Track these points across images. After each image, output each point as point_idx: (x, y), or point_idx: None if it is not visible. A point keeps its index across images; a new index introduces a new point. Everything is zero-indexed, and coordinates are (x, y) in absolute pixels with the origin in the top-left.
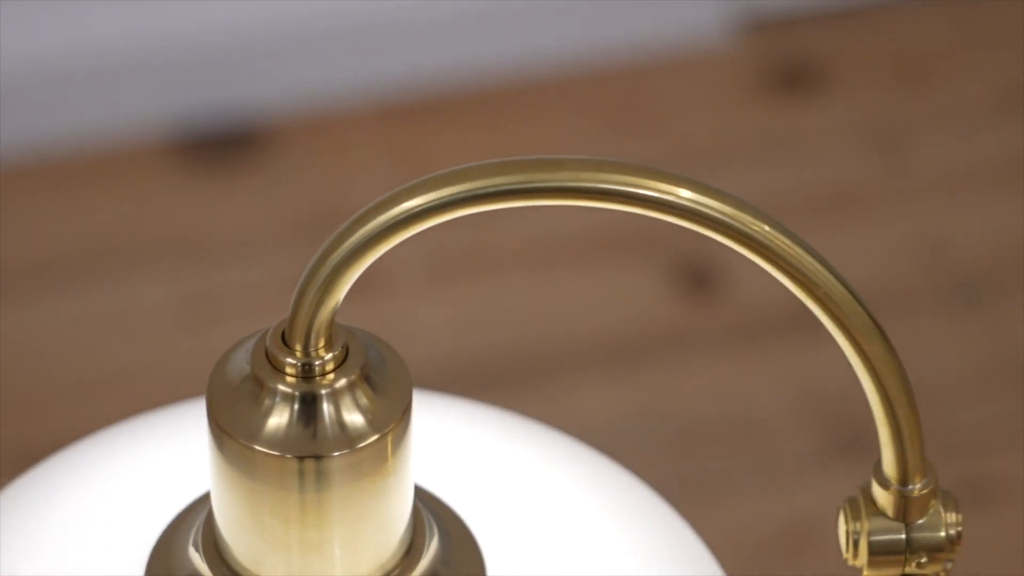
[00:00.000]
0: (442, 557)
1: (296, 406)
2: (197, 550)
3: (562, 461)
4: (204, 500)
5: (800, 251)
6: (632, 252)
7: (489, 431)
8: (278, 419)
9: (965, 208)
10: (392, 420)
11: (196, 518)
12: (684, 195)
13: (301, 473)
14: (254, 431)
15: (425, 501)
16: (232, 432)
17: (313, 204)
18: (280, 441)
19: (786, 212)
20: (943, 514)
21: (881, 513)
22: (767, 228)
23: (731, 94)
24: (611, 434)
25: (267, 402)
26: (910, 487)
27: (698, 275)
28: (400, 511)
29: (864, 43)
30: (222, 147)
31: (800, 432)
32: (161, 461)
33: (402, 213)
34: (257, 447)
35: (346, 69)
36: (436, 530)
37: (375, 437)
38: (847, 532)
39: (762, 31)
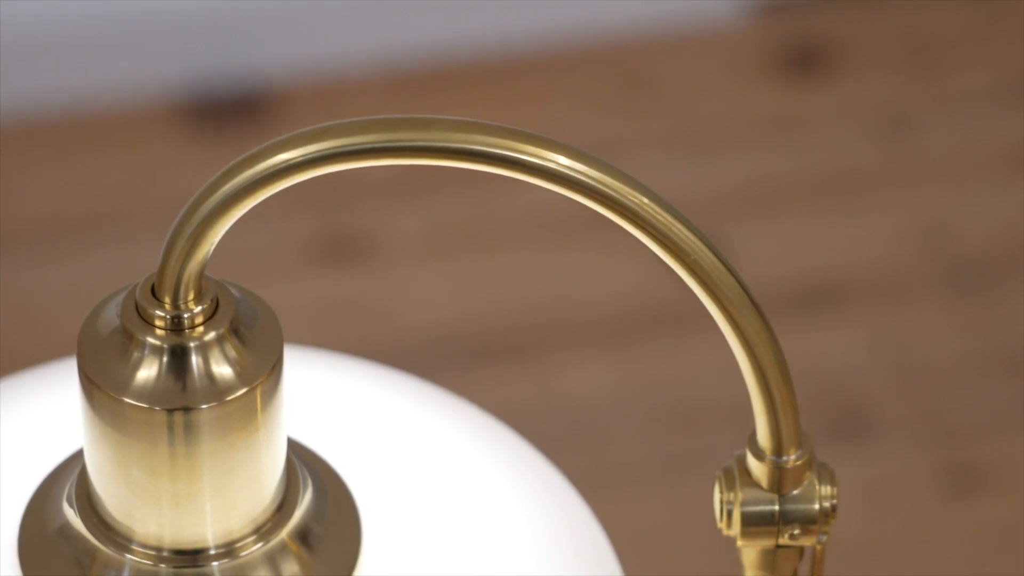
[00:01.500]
0: (315, 512)
1: (165, 359)
2: (71, 504)
3: (440, 414)
4: (80, 455)
5: (671, 219)
6: None
7: (367, 385)
8: (147, 372)
9: (969, 195)
10: (261, 373)
11: (72, 473)
12: (555, 159)
13: (170, 426)
14: (123, 384)
15: (301, 456)
16: (101, 385)
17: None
18: (149, 394)
19: (790, 193)
20: (818, 487)
21: (755, 484)
22: (637, 194)
23: (741, 74)
24: (604, 410)
25: (136, 355)
26: (784, 458)
27: None
28: (271, 466)
29: (875, 28)
30: (229, 112)
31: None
32: (40, 416)
33: (271, 167)
34: (126, 399)
35: (355, 37)
36: (311, 485)
37: (244, 390)
38: (721, 502)
39: (774, 12)
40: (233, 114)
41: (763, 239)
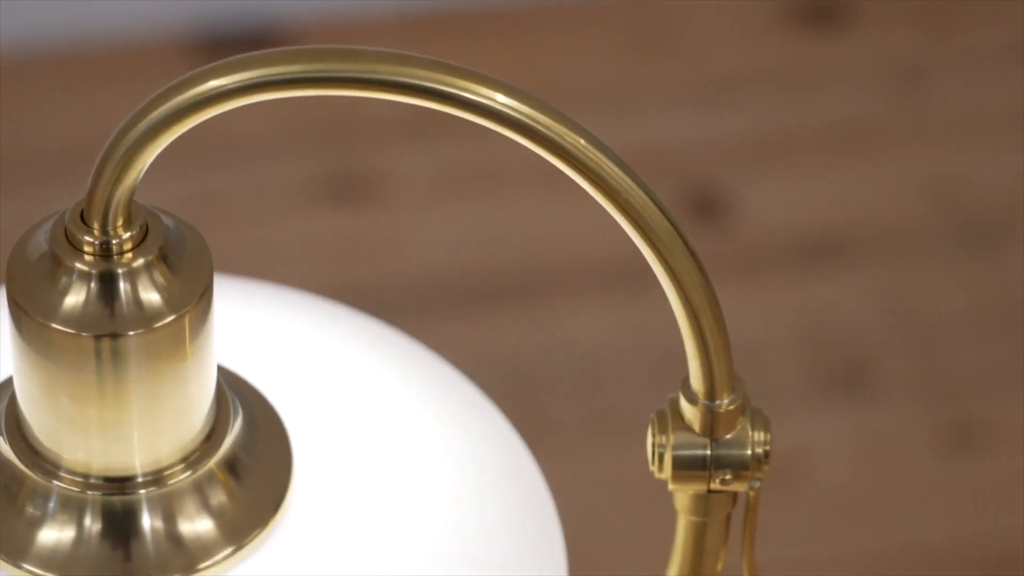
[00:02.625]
0: (245, 443)
1: (93, 285)
2: (0, 431)
3: (372, 344)
4: (9, 382)
5: (602, 157)
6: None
7: (302, 317)
8: (75, 298)
9: (979, 151)
10: (190, 301)
11: (0, 399)
12: (492, 96)
13: (98, 352)
14: (51, 309)
15: (235, 387)
16: (29, 310)
17: (328, 111)
18: (76, 319)
19: (800, 144)
20: (751, 432)
21: (688, 428)
22: (573, 134)
23: (755, 25)
24: (607, 355)
25: (64, 280)
26: (717, 403)
27: (707, 202)
28: (200, 395)
29: None
30: (238, 48)
31: (795, 366)
32: None
33: (200, 94)
34: (54, 325)
35: None
36: (242, 416)
37: (172, 317)
38: (653, 445)
39: None
40: (241, 51)
41: (771, 190)
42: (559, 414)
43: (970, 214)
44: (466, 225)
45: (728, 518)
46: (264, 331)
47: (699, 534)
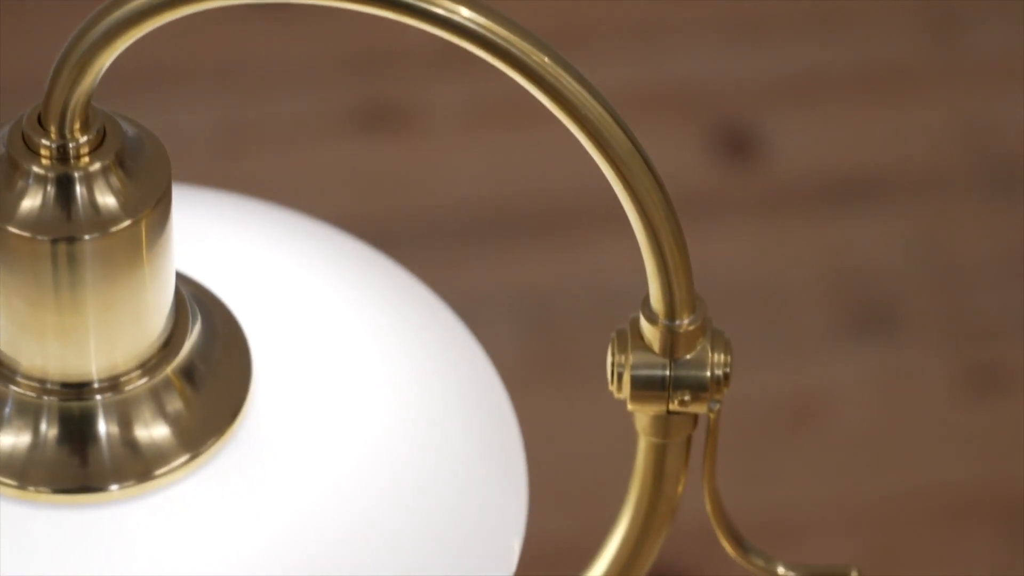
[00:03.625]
0: (203, 352)
1: (50, 188)
2: None
3: (347, 263)
4: None
5: (563, 72)
6: (674, 112)
7: (273, 232)
8: (31, 201)
9: (1013, 95)
10: (147, 206)
11: None
12: (456, 10)
13: (54, 256)
14: (7, 213)
15: (197, 297)
16: None
17: (364, 42)
18: (33, 223)
19: (834, 84)
20: (711, 354)
21: (648, 348)
22: (526, 45)
23: None
24: (631, 291)
25: (20, 184)
26: (677, 323)
27: (738, 140)
28: (157, 303)
29: None
30: None
31: (821, 307)
32: None
33: None
34: (10, 229)
35: None
36: (200, 325)
37: (128, 222)
38: (612, 364)
39: None
40: None
41: (803, 130)
42: (588, 348)
43: (1001, 158)
44: (500, 157)
45: (688, 440)
46: (232, 244)
47: (659, 456)
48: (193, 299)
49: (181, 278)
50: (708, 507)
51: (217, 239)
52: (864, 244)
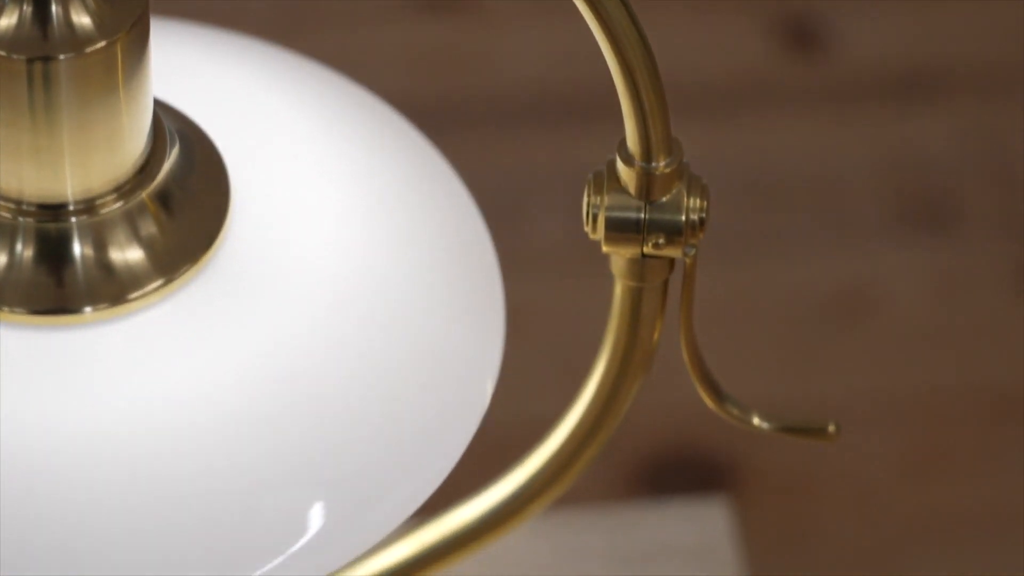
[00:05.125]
0: (180, 178)
1: (26, 7)
2: None
3: (328, 95)
4: None
5: None
6: (736, 2)
7: (255, 64)
8: (7, 20)
9: None
10: (123, 27)
11: None
12: None
13: (29, 76)
14: None
15: (177, 124)
16: None
17: None
18: (8, 42)
19: None
20: (686, 197)
21: (623, 190)
22: None
23: None
24: None
25: None
26: (653, 164)
27: (805, 31)
28: (133, 127)
29: None
30: None
31: (878, 200)
32: None
33: None
34: None
35: None
36: (178, 151)
37: (104, 43)
38: (588, 205)
39: None
40: None
41: (868, 22)
42: None
43: None
44: (559, 38)
45: (665, 286)
46: (224, 82)
47: (635, 300)
48: (175, 131)
49: (165, 109)
50: (685, 355)
51: (209, 76)
52: (925, 139)
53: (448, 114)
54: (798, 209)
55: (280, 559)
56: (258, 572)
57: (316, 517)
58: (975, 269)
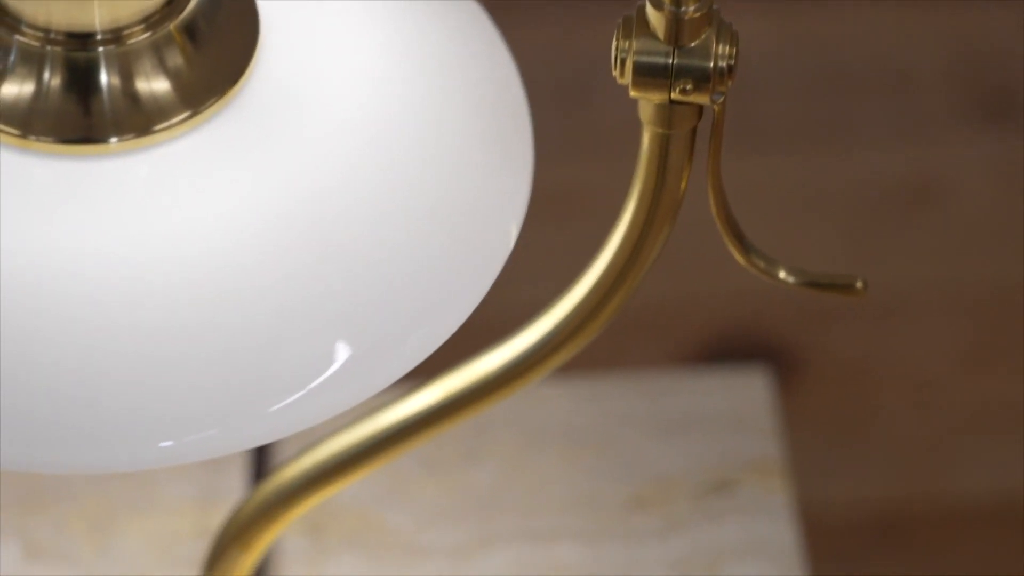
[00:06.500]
0: (208, 13)
1: None
2: None
3: None
4: None
5: None
6: None
7: None
8: None
9: None
10: None
11: None
12: None
13: None
14: None
15: None
16: None
17: None
18: None
19: None
20: (715, 43)
21: (652, 34)
22: None
23: None
24: (753, 69)
25: None
26: (683, 9)
27: None
28: None
29: None
30: None
31: (948, 91)
32: None
33: None
34: None
35: None
36: None
37: None
38: (616, 49)
39: None
40: None
41: None
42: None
43: None
44: None
45: (693, 133)
46: None
47: (663, 147)
48: None
49: None
50: (712, 205)
51: None
52: (997, 31)
53: None
54: (866, 99)
55: (301, 393)
56: (278, 406)
57: (338, 353)
58: None
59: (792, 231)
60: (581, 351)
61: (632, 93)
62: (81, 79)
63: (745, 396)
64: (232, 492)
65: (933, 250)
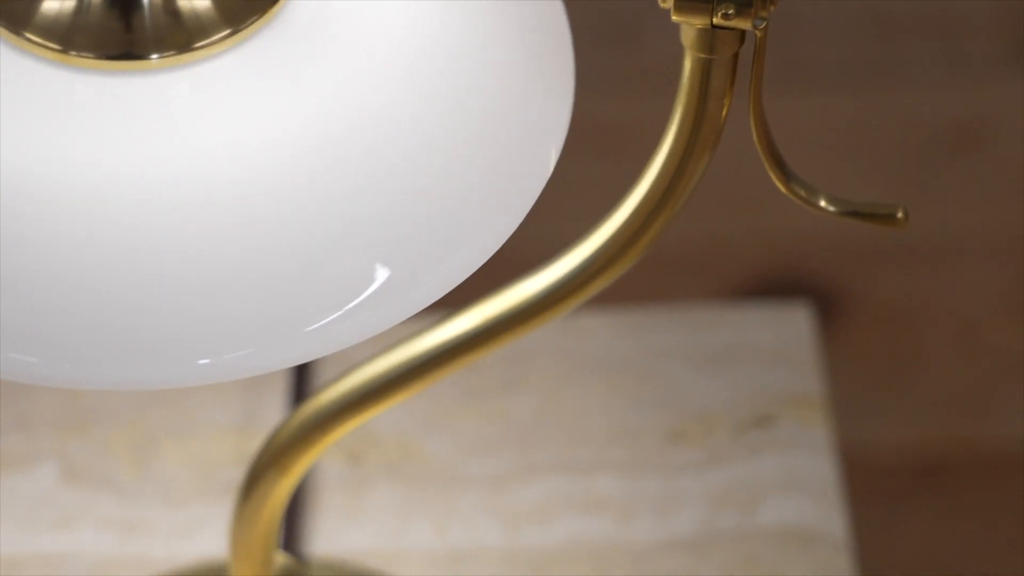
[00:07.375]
0: None
1: None
2: None
3: None
4: None
5: None
6: None
7: None
8: None
9: None
10: None
11: None
12: None
13: None
14: None
15: None
16: None
17: None
18: None
19: None
20: None
21: None
22: None
23: None
24: (801, 8)
25: None
26: None
27: None
28: None
29: None
30: None
31: (997, 35)
32: None
33: None
34: None
35: None
36: None
37: None
38: None
39: None
40: None
41: None
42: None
43: None
44: None
45: (735, 60)
46: None
47: (704, 72)
48: None
49: None
50: (754, 133)
51: None
52: None
53: None
54: (913, 41)
55: (338, 314)
56: (315, 325)
57: (377, 273)
58: None
59: (835, 172)
60: (622, 284)
61: (674, 17)
62: None
63: (787, 331)
64: (272, 418)
65: (978, 193)
